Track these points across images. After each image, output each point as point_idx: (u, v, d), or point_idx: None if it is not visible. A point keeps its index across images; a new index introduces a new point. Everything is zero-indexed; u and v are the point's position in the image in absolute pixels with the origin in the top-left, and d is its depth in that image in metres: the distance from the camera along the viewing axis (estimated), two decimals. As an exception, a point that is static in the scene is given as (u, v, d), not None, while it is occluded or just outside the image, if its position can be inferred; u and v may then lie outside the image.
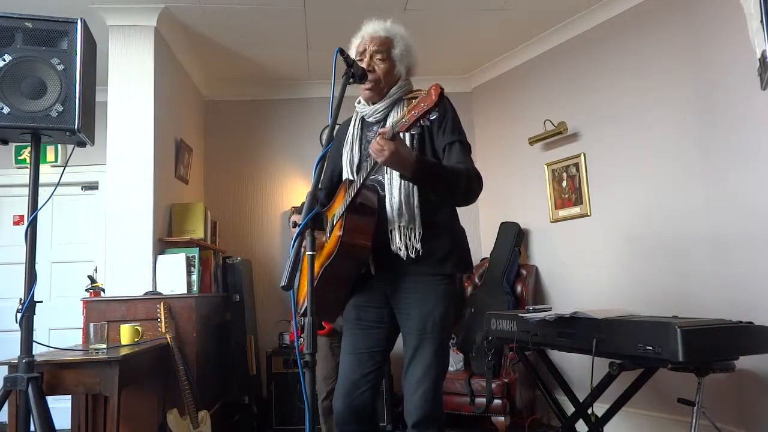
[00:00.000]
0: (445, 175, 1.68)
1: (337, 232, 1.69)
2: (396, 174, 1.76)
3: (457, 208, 1.92)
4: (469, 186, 1.72)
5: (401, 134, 1.56)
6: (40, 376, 1.97)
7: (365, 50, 1.86)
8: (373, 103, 1.90)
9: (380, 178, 1.82)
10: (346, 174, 1.92)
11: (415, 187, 1.77)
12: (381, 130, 1.59)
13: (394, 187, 1.78)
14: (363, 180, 1.66)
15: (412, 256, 1.75)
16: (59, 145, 4.30)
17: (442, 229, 1.81)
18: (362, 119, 1.95)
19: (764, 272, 2.65)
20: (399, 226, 1.76)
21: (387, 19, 1.93)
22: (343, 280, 1.80)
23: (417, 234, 1.75)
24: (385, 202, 1.79)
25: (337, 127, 1.97)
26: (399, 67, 1.89)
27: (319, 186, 2.05)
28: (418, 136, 1.82)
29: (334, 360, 3.04)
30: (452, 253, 1.81)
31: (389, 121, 1.84)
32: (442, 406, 1.77)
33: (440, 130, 1.82)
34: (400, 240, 1.75)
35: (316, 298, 1.62)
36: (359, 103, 1.96)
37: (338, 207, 1.79)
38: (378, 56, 1.85)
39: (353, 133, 1.95)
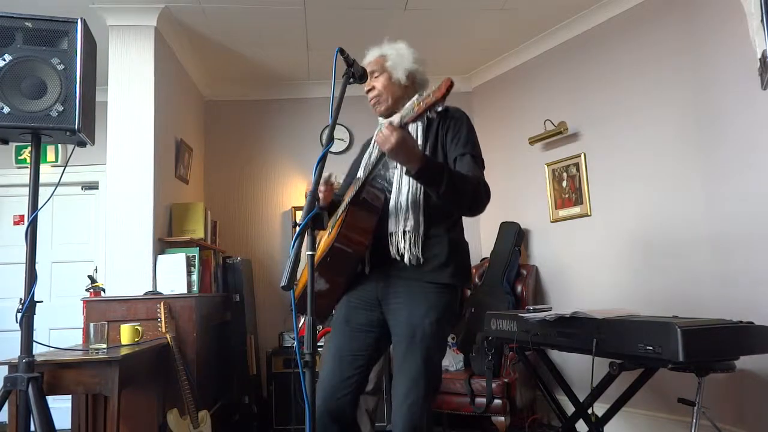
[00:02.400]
0: (452, 177, 1.64)
1: (338, 225, 1.69)
2: (405, 179, 1.75)
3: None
4: (477, 194, 1.70)
5: (409, 126, 1.55)
6: (40, 376, 1.96)
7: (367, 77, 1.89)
8: (389, 116, 1.90)
9: (390, 179, 1.82)
10: (360, 175, 1.92)
11: (422, 194, 1.75)
12: (388, 120, 1.58)
13: (402, 192, 1.77)
14: (369, 171, 1.66)
15: (413, 263, 1.73)
16: (59, 145, 4.30)
17: (444, 238, 1.79)
18: None
19: (764, 272, 2.66)
20: (403, 231, 1.74)
21: (383, 41, 1.96)
22: (338, 276, 1.78)
23: (419, 241, 1.74)
24: (390, 203, 1.79)
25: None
26: (396, 74, 1.89)
27: (336, 192, 2.08)
28: (431, 146, 1.81)
29: None
30: (449, 262, 1.77)
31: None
32: (430, 420, 1.71)
33: (453, 142, 1.81)
34: (402, 246, 1.74)
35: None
36: (381, 115, 1.97)
37: (345, 201, 1.79)
38: (374, 74, 1.89)
39: (370, 152, 1.96)
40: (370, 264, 1.80)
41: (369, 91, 1.90)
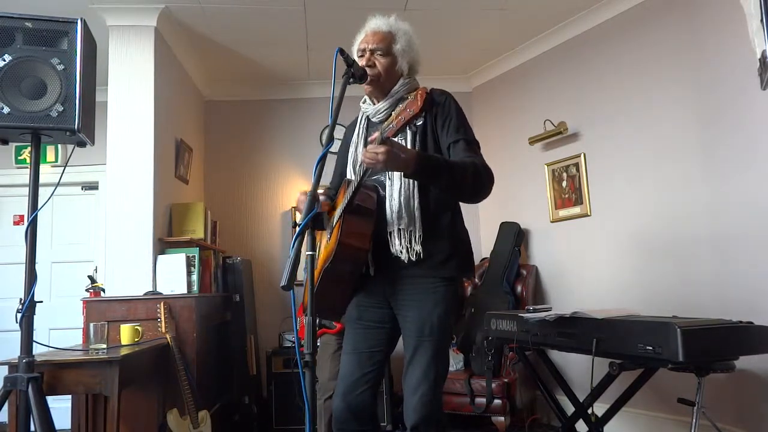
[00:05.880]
0: (449, 168, 1.64)
1: (335, 235, 1.69)
2: (396, 176, 1.75)
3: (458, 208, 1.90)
4: (478, 179, 1.69)
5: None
6: (40, 376, 1.97)
7: (366, 47, 1.85)
8: (377, 102, 1.89)
9: (381, 178, 1.81)
10: (350, 174, 1.91)
11: (416, 189, 1.75)
12: (371, 138, 1.58)
13: (394, 189, 1.77)
14: (357, 184, 1.65)
15: (413, 259, 1.73)
16: (59, 145, 4.30)
17: (443, 231, 1.80)
18: (367, 118, 1.95)
19: (764, 272, 2.66)
20: (399, 229, 1.74)
21: (391, 15, 1.92)
22: (344, 281, 1.79)
23: (417, 237, 1.74)
24: (385, 202, 1.78)
25: (340, 128, 1.98)
26: (401, 63, 1.87)
27: (329, 185, 2.07)
28: (420, 137, 1.80)
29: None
30: (453, 256, 1.79)
31: None
32: (441, 408, 1.76)
33: (444, 129, 1.80)
34: (400, 243, 1.74)
35: (319, 299, 1.63)
36: (364, 102, 1.95)
37: (338, 208, 1.78)
38: (379, 52, 1.84)
39: (359, 132, 1.95)
40: (374, 264, 1.80)
41: (368, 65, 1.82)
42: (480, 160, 1.74)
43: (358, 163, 1.87)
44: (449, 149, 1.78)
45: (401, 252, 1.74)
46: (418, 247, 1.73)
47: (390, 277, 1.80)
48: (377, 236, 1.75)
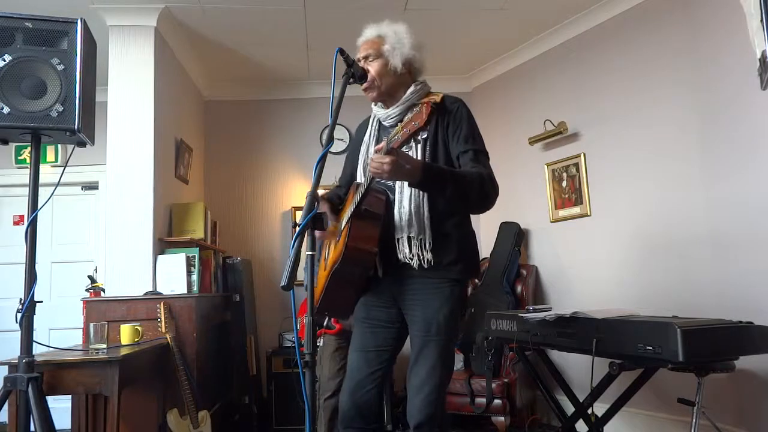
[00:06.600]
0: (455, 180, 1.66)
1: (344, 238, 1.70)
2: (406, 183, 1.76)
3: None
4: (482, 190, 1.70)
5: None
6: (40, 376, 1.97)
7: (360, 57, 1.88)
8: (388, 107, 1.90)
9: (391, 183, 1.82)
10: (359, 176, 1.92)
11: (426, 197, 1.76)
12: (377, 147, 1.59)
13: (404, 197, 1.78)
14: (365, 189, 1.66)
15: (424, 266, 1.75)
16: (59, 145, 4.30)
17: (451, 236, 1.80)
18: (379, 122, 1.95)
19: (764, 272, 2.65)
20: (408, 236, 1.75)
21: (383, 21, 1.92)
22: (352, 283, 1.80)
23: (427, 245, 1.75)
24: (393, 207, 1.79)
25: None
26: (392, 62, 1.85)
27: (337, 183, 2.09)
28: (431, 145, 1.81)
29: (341, 360, 3.03)
30: (459, 260, 1.80)
31: None
32: (445, 408, 1.77)
33: (454, 139, 1.81)
34: (410, 251, 1.75)
35: (327, 299, 1.63)
36: (376, 104, 1.96)
37: (347, 210, 1.79)
38: (369, 57, 1.86)
39: (370, 134, 1.95)
40: (382, 267, 1.81)
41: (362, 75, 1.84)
42: (487, 172, 1.75)
43: (368, 168, 1.88)
44: (458, 158, 1.79)
45: (411, 259, 1.75)
46: (428, 255, 1.74)
47: (397, 278, 1.81)
48: (386, 239, 1.75)
